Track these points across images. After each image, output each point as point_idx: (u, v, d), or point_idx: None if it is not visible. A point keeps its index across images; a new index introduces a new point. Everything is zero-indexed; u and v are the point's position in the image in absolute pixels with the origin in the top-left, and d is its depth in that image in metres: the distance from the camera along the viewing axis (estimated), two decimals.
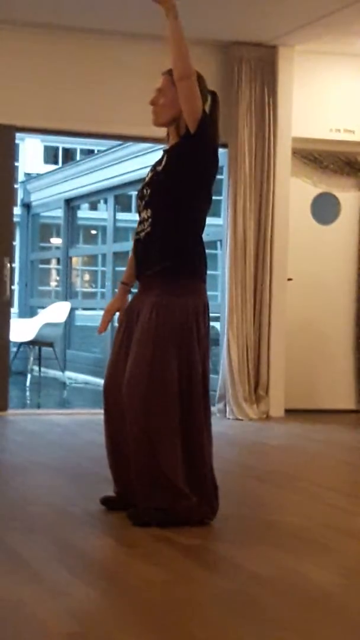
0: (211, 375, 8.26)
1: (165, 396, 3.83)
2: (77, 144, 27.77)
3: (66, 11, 6.92)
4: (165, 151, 4.05)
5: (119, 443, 4.00)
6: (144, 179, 4.11)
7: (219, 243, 8.14)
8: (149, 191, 4.00)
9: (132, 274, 4.16)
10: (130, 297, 4.17)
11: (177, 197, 3.92)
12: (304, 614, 2.86)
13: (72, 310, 11.37)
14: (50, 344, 10.44)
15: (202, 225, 4.01)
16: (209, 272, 4.06)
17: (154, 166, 4.07)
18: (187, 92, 3.83)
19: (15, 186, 12.04)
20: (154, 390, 3.83)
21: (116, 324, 4.29)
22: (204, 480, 3.92)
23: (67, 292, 12.00)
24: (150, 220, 3.95)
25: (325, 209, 8.27)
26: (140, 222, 4.01)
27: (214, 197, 4.09)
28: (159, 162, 4.03)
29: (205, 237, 4.07)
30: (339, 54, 7.87)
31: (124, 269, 4.30)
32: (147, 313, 3.90)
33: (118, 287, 4.24)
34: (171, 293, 3.90)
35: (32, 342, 10.41)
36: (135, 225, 4.08)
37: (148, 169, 4.17)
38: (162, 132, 4.14)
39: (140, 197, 4.06)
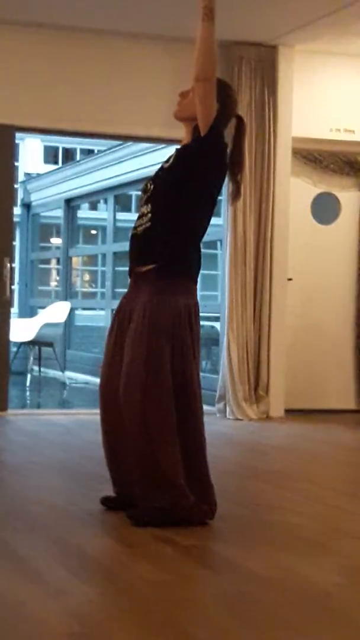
0: (211, 375, 8.32)
1: (162, 395, 3.83)
2: (77, 144, 27.78)
3: (66, 11, 6.92)
4: (176, 149, 4.04)
5: (116, 443, 4.00)
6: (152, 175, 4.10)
7: (219, 243, 8.15)
8: (152, 187, 4.00)
9: None
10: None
11: (178, 197, 3.92)
12: (304, 614, 2.86)
13: (72, 310, 11.38)
14: (50, 344, 10.44)
15: (201, 228, 3.99)
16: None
17: (163, 162, 4.06)
18: (204, 93, 3.83)
19: (15, 186, 12.05)
20: (150, 389, 3.82)
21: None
22: (203, 479, 3.92)
23: (67, 292, 12.01)
24: (149, 215, 3.95)
25: (325, 209, 8.26)
26: (139, 217, 4.01)
27: None
28: (167, 160, 4.03)
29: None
30: (339, 54, 7.87)
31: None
32: (140, 312, 3.89)
33: None
34: (164, 291, 3.89)
35: (32, 342, 10.42)
36: None
37: (149, 169, 4.16)
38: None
39: (143, 190, 4.06)
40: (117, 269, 10.98)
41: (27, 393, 9.77)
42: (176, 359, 3.88)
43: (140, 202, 4.07)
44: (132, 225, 4.05)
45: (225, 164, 4.00)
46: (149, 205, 3.96)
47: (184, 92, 4.00)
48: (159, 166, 4.11)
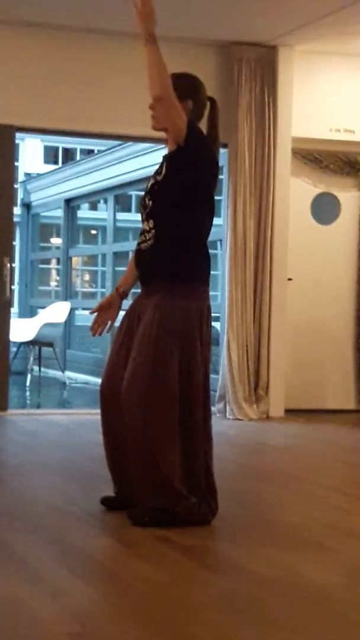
0: (211, 375, 8.27)
1: (165, 397, 3.83)
2: (77, 144, 27.78)
3: (65, 11, 6.92)
4: (164, 158, 4.05)
5: (117, 443, 4.00)
6: (147, 185, 4.10)
7: (219, 243, 8.15)
8: (150, 202, 4.00)
9: (129, 281, 4.18)
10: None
11: (178, 207, 3.93)
12: (304, 614, 2.86)
13: (72, 310, 11.37)
14: (50, 344, 10.44)
15: (205, 229, 4.02)
16: None
17: (155, 174, 4.06)
18: (164, 112, 3.89)
19: (15, 186, 12.04)
20: (154, 391, 3.83)
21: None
22: (202, 481, 3.92)
23: (67, 292, 12.00)
24: (153, 232, 3.95)
25: (325, 209, 8.27)
26: (142, 233, 4.01)
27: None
28: (158, 171, 4.03)
29: None
30: (339, 54, 7.87)
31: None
32: (150, 314, 3.90)
33: (113, 292, 4.21)
34: (175, 295, 3.90)
35: (32, 342, 10.41)
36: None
37: (149, 169, 4.17)
38: (161, 132, 4.14)
39: (142, 205, 4.06)
40: (117, 269, 10.97)
41: (27, 393, 9.76)
42: (184, 363, 3.89)
43: (141, 217, 4.07)
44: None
45: (213, 158, 4.01)
46: (151, 221, 3.97)
47: (152, 104, 4.02)
48: (154, 170, 4.11)
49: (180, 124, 3.89)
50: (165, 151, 4.09)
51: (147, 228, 3.99)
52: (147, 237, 3.98)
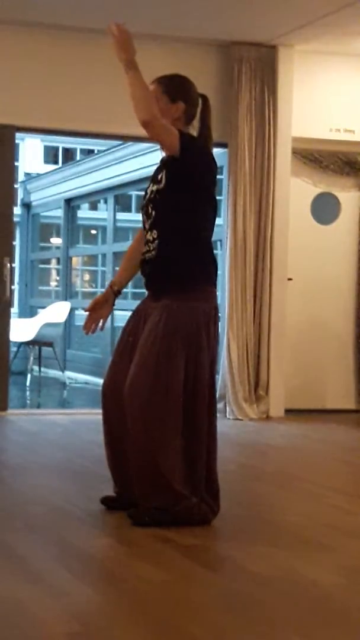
0: None
1: (167, 399, 3.83)
2: (77, 144, 27.79)
3: (66, 11, 6.92)
4: (162, 163, 4.05)
5: (118, 443, 4.00)
6: (146, 192, 4.09)
7: (219, 243, 8.15)
8: (153, 212, 3.99)
9: (123, 278, 4.19)
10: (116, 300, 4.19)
11: (181, 213, 3.94)
12: (304, 614, 2.86)
13: (72, 310, 11.37)
14: (50, 344, 10.43)
15: (209, 230, 4.04)
16: None
17: (154, 180, 4.04)
18: (154, 135, 3.89)
19: (15, 186, 12.03)
20: (156, 392, 3.82)
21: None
22: (204, 482, 3.92)
23: (67, 292, 12.00)
24: (156, 242, 3.95)
25: (325, 209, 8.27)
26: (146, 243, 4.01)
27: None
28: (158, 178, 4.02)
29: None
30: (339, 54, 7.87)
31: None
32: (157, 316, 3.90)
33: (107, 289, 4.22)
34: (182, 298, 3.90)
35: (32, 342, 10.41)
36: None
37: (149, 169, 4.17)
38: None
39: (145, 213, 4.05)
40: (117, 269, 10.93)
41: (27, 393, 9.76)
42: (190, 364, 3.89)
43: (144, 224, 4.06)
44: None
45: (209, 158, 4.02)
46: (154, 232, 3.96)
47: None
48: (153, 172, 4.10)
49: (172, 140, 3.89)
50: (163, 153, 4.09)
51: (151, 238, 3.98)
52: (152, 248, 3.97)
